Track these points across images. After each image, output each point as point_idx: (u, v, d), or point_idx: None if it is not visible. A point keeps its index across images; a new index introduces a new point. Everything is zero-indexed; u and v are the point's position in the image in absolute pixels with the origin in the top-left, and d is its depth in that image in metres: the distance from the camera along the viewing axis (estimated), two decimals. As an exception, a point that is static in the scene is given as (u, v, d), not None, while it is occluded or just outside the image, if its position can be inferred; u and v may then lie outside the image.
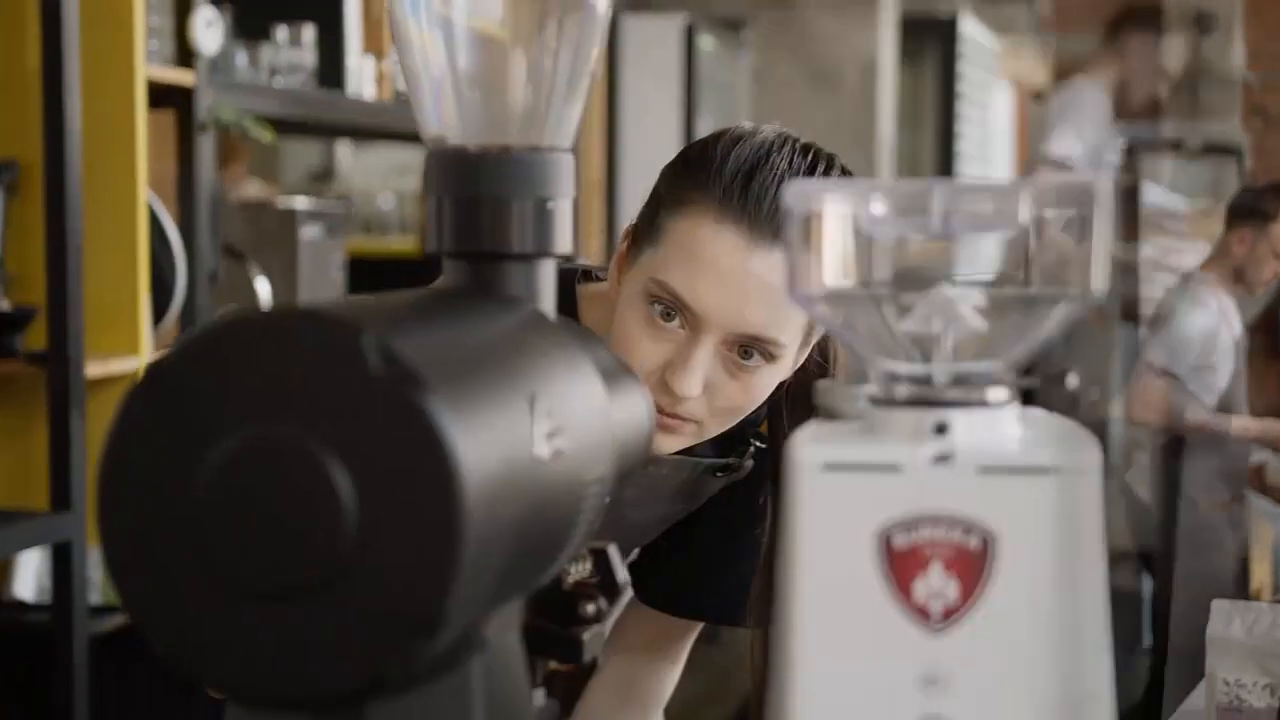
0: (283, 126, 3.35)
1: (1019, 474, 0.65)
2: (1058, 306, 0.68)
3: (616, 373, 0.83)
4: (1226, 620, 1.78)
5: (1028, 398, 0.78)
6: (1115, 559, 5.36)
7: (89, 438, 2.50)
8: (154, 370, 0.62)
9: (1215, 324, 4.48)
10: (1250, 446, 4.32)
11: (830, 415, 0.75)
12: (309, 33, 3.19)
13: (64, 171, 2.40)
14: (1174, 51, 4.67)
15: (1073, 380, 1.04)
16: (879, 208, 0.69)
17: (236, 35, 3.08)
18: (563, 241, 0.77)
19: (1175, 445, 4.16)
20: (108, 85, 2.55)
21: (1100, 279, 0.67)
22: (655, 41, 5.35)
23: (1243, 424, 4.58)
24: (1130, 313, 4.47)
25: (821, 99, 5.93)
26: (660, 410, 1.25)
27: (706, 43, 5.55)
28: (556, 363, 0.73)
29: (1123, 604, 4.91)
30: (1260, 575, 4.20)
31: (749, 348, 1.26)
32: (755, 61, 5.98)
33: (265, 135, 2.86)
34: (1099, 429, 4.52)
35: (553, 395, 0.69)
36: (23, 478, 2.54)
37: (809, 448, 0.67)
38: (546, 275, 0.78)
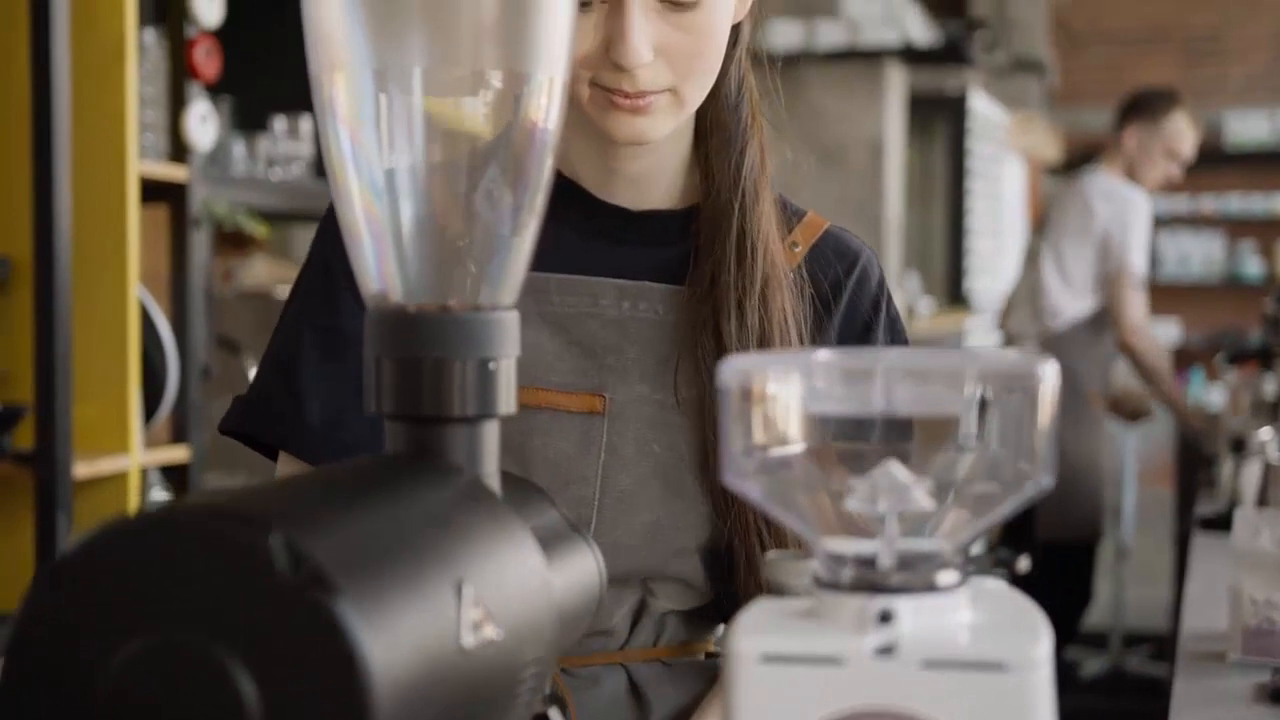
0: (281, 216, 3.34)
1: (966, 669, 0.62)
2: (1008, 492, 0.65)
3: (561, 535, 0.80)
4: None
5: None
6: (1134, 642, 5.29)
7: (77, 539, 2.46)
8: (57, 569, 0.59)
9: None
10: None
11: (779, 590, 0.72)
12: (307, 124, 3.18)
13: (54, 268, 2.39)
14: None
15: (1024, 564, 1.01)
16: (820, 383, 0.66)
17: (236, 126, 3.07)
18: (506, 402, 0.75)
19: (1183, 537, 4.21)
20: (99, 181, 2.53)
21: (1047, 467, 0.64)
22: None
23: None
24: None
25: (829, 176, 5.92)
26: (625, 94, 1.21)
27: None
28: (490, 540, 0.70)
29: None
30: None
31: None
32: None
33: (259, 230, 2.85)
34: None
35: (484, 578, 0.66)
36: (9, 580, 2.50)
37: (748, 638, 0.64)
38: (489, 438, 0.75)
